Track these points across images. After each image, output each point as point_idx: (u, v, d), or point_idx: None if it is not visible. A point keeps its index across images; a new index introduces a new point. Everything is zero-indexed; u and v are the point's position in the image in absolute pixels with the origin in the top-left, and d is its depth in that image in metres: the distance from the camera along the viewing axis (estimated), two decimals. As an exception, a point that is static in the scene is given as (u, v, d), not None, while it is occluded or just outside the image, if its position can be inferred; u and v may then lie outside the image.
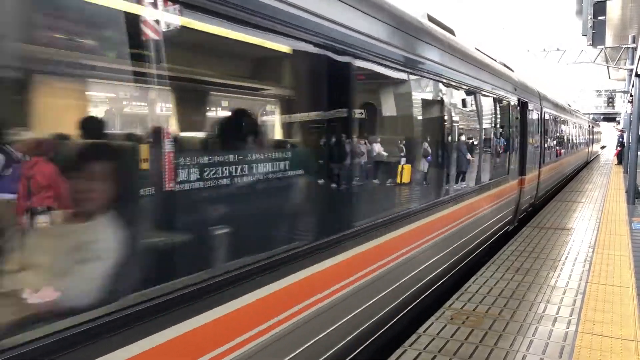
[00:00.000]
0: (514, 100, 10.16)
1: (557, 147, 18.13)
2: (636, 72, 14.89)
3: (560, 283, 6.33)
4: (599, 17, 15.40)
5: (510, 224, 10.44)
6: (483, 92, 7.97)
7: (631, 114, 16.76)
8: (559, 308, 5.43)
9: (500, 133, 9.61)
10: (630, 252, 8.00)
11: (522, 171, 10.91)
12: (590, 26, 15.48)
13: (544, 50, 28.51)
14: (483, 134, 8.25)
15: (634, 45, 20.23)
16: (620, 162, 28.45)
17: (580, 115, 29.59)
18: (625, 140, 26.41)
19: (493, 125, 9.05)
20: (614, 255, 7.77)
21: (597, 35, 15.57)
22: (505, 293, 5.91)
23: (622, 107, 35.95)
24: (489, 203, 8.29)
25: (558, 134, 18.58)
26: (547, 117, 14.94)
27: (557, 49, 28.26)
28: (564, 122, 20.25)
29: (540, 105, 13.73)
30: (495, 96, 8.73)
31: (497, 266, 7.07)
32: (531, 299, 5.70)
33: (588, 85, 53.25)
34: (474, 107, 7.81)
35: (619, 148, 31.13)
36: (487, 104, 8.44)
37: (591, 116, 50.76)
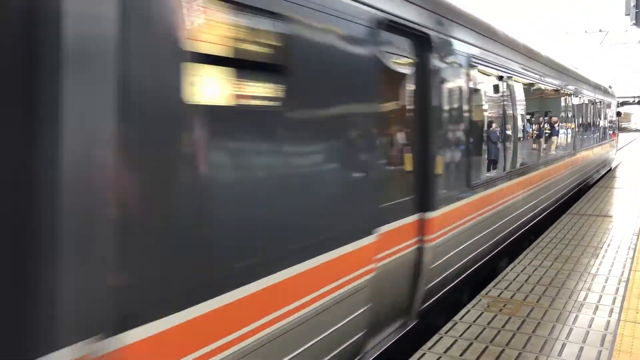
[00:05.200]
0: None
1: None
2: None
3: (602, 271, 6.16)
4: (644, -4, 14.76)
5: None
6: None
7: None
8: (601, 296, 5.30)
9: None
10: (677, 239, 7.71)
11: None
12: (634, 5, 14.86)
13: (585, 32, 27.53)
14: None
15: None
16: None
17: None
18: None
19: None
20: (659, 242, 7.51)
21: (641, 15, 14.93)
22: (544, 281, 5.80)
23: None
24: None
25: None
26: None
27: (600, 30, 27.23)
28: None
29: None
30: None
31: (535, 254, 6.94)
32: (571, 287, 5.58)
33: (634, 67, 51.16)
34: None
35: None
36: None
37: (621, 101, 47.34)
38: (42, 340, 1.74)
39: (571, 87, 12.27)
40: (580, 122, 13.51)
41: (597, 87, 16.90)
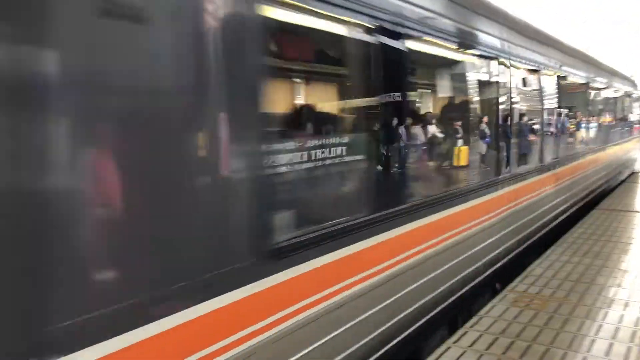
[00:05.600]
0: None
1: None
2: None
3: (634, 267, 6.00)
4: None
5: None
6: None
7: None
8: (631, 292, 5.17)
9: None
10: None
11: None
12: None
13: (628, 23, 26.81)
14: None
15: None
16: None
17: None
18: None
19: None
20: (693, 238, 7.29)
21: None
22: (572, 276, 5.69)
23: None
24: None
25: None
26: None
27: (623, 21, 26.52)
28: None
29: None
30: None
31: (563, 249, 6.80)
32: (601, 283, 5.45)
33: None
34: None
35: None
36: None
37: None
38: None
39: (548, 63, 8.02)
40: (566, 116, 9.27)
41: (603, 70, 12.56)
